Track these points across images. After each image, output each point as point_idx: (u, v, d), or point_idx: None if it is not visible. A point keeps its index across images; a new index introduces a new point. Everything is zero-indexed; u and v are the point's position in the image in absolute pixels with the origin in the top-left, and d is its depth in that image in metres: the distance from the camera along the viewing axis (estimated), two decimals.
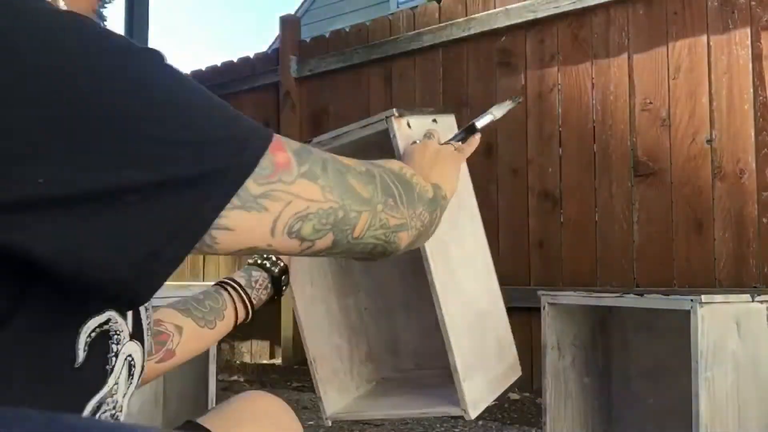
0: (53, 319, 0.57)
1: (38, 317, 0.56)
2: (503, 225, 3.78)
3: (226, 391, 3.88)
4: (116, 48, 0.56)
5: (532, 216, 3.68)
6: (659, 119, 3.30)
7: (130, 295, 0.57)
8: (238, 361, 4.67)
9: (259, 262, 1.21)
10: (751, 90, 3.06)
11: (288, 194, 0.62)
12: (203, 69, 5.43)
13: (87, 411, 0.62)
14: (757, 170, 3.04)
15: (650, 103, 3.33)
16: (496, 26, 3.82)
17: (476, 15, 3.90)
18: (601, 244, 3.44)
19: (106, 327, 0.63)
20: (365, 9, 9.73)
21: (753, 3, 3.08)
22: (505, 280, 3.96)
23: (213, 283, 1.19)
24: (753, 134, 3.05)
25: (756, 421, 1.79)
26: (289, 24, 4.95)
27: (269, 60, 5.05)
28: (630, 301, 1.90)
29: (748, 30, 3.08)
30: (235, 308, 1.14)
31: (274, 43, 10.97)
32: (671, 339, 2.19)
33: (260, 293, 1.18)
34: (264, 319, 5.30)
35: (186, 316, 1.08)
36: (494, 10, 3.83)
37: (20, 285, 0.54)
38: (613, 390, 2.31)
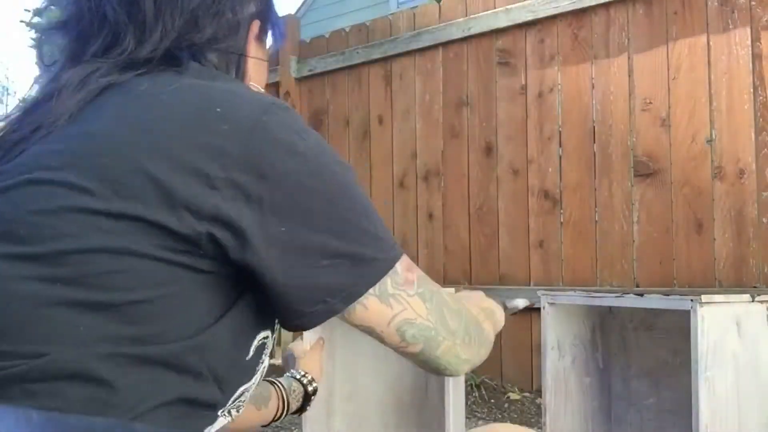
0: (245, 324, 0.82)
1: (239, 319, 0.81)
2: (503, 225, 3.78)
3: None
4: (338, 162, 0.84)
5: (532, 216, 3.68)
6: (659, 119, 3.30)
7: (302, 322, 0.82)
8: None
9: (297, 377, 1.44)
10: (751, 90, 3.06)
11: (407, 303, 0.86)
12: None
13: (238, 392, 0.85)
14: (757, 170, 3.04)
15: (650, 103, 3.33)
16: (496, 26, 3.82)
17: (476, 15, 3.90)
18: (601, 244, 3.45)
19: (264, 340, 0.86)
20: (365, 9, 9.73)
21: (753, 3, 3.08)
22: (505, 280, 3.97)
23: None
24: (753, 134, 3.05)
25: (756, 421, 1.79)
26: (289, 24, 4.95)
27: (269, 60, 5.05)
28: (630, 301, 1.90)
29: (748, 30, 3.08)
30: (278, 403, 1.36)
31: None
32: (671, 339, 2.19)
33: (294, 402, 1.40)
34: None
35: None
36: (494, 10, 3.83)
37: (238, 292, 0.80)
38: (613, 390, 2.31)
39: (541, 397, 2.16)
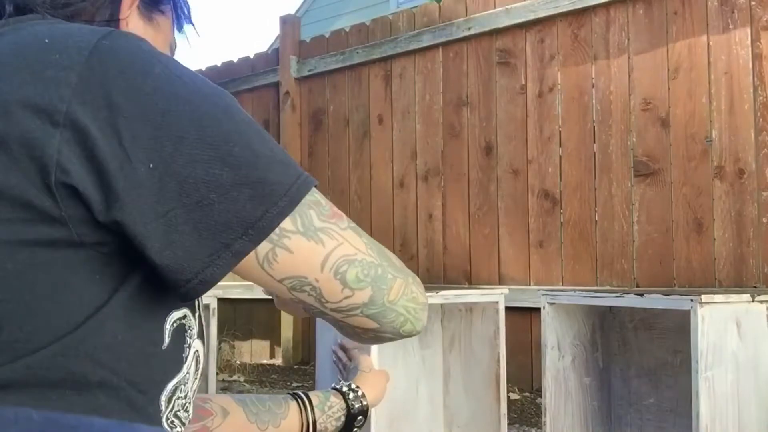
0: (147, 305, 0.66)
1: (135, 300, 0.65)
2: (503, 225, 3.78)
3: (226, 391, 3.88)
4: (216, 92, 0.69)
5: (532, 216, 3.68)
6: (659, 119, 3.30)
7: (202, 279, 0.65)
8: (238, 361, 4.67)
9: (344, 389, 1.20)
10: (751, 90, 3.06)
11: (341, 236, 0.70)
12: (203, 69, 5.43)
13: (167, 390, 0.69)
14: (757, 170, 3.04)
15: (650, 103, 3.33)
16: (496, 26, 3.82)
17: (476, 15, 3.90)
18: (601, 244, 3.44)
19: (183, 321, 0.71)
20: (365, 9, 9.73)
21: (753, 3, 3.08)
22: (505, 280, 3.97)
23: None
24: (753, 134, 3.05)
25: (756, 421, 1.79)
26: (289, 24, 4.95)
27: (269, 60, 5.05)
28: (630, 301, 1.90)
29: (748, 30, 3.08)
30: (300, 421, 1.11)
31: (274, 43, 10.96)
32: (671, 339, 2.20)
33: (328, 421, 1.14)
34: (264, 319, 5.30)
35: (239, 405, 1.06)
36: (494, 10, 3.83)
37: (123, 265, 0.64)
38: (613, 390, 2.31)
39: (541, 397, 2.16)
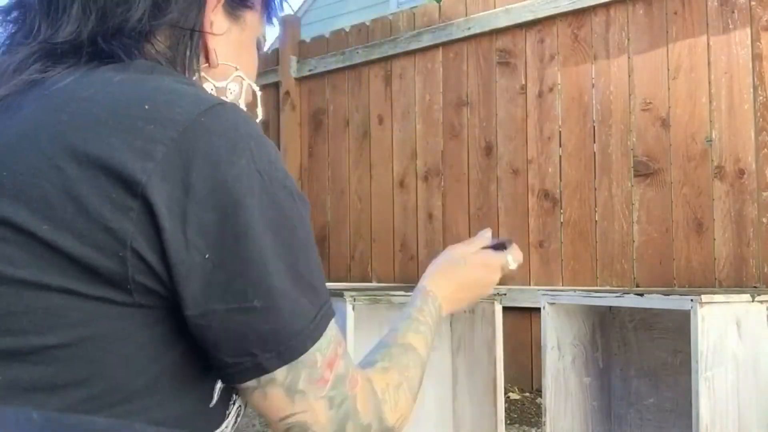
0: (196, 367, 0.70)
1: (187, 361, 0.70)
2: (503, 225, 3.78)
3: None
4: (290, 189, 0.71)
5: (532, 216, 3.68)
6: (659, 119, 3.30)
7: (223, 376, 0.71)
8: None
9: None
10: (751, 90, 3.06)
11: (311, 405, 0.72)
12: None
13: None
14: (757, 170, 3.04)
15: (650, 103, 3.33)
16: (496, 26, 3.81)
17: (476, 15, 3.90)
18: (601, 244, 3.44)
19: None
20: (365, 9, 9.72)
21: (753, 3, 3.08)
22: (505, 279, 3.96)
23: None
24: (753, 134, 3.05)
25: (756, 421, 1.79)
26: (289, 24, 4.95)
27: (269, 60, 5.05)
28: (630, 301, 1.90)
29: (748, 30, 3.08)
30: None
31: (273, 43, 10.96)
32: (671, 339, 2.20)
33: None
34: None
35: None
36: (494, 10, 3.83)
37: (179, 329, 0.68)
38: (613, 390, 2.31)
39: (541, 397, 2.16)
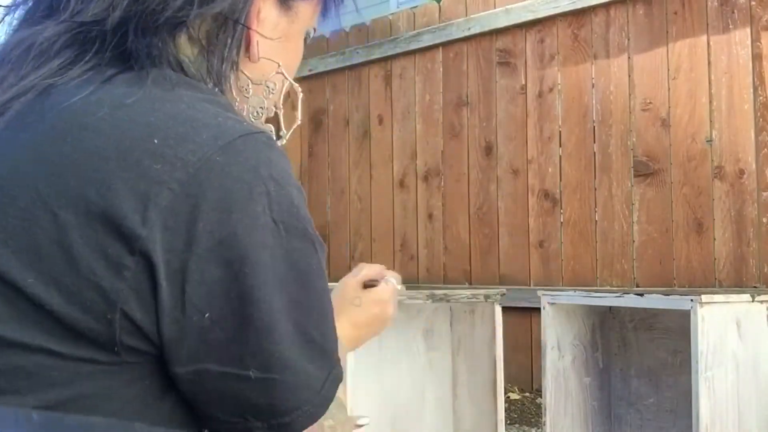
0: (193, 416, 0.65)
1: (181, 411, 0.64)
2: (503, 225, 3.78)
3: None
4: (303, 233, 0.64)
5: (532, 216, 3.68)
6: (659, 119, 3.30)
7: None
8: None
9: None
10: (751, 90, 3.06)
11: None
12: None
13: None
14: (757, 170, 3.04)
15: (650, 103, 3.33)
16: (496, 26, 3.81)
17: (476, 15, 3.90)
18: (601, 244, 3.44)
19: None
20: (365, 9, 9.72)
21: (753, 3, 3.08)
22: (505, 280, 3.97)
23: None
24: (753, 134, 3.05)
25: (756, 421, 1.79)
26: None
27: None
28: (630, 301, 1.90)
29: (748, 30, 3.08)
30: None
31: None
32: (671, 339, 2.20)
33: None
34: None
35: None
36: (494, 10, 3.83)
37: (167, 383, 0.62)
38: (613, 390, 2.31)
39: (541, 397, 2.16)
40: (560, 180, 3.60)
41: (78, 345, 0.58)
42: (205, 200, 0.58)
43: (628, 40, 3.41)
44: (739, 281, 3.05)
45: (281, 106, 0.84)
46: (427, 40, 4.11)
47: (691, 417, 1.69)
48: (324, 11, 0.82)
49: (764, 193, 3.02)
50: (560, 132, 3.61)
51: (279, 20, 0.76)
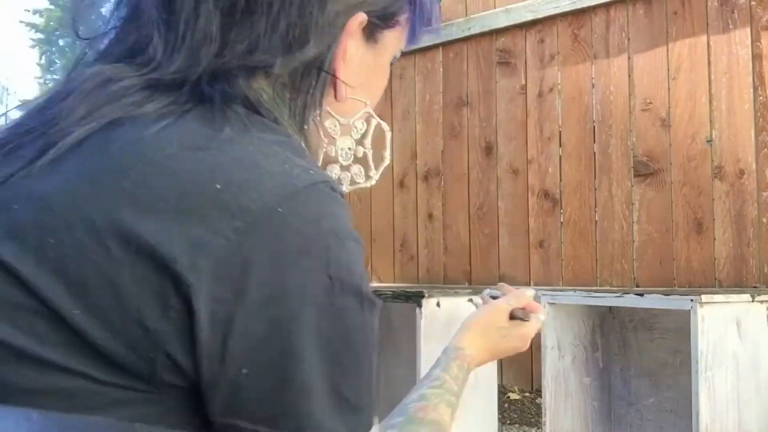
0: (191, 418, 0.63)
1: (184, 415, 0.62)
2: (503, 225, 3.78)
3: None
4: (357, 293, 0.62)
5: (532, 216, 3.68)
6: (659, 119, 3.30)
7: None
8: None
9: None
10: (751, 90, 3.06)
11: None
12: None
13: None
14: (757, 170, 3.04)
15: (650, 103, 3.33)
16: (496, 26, 3.81)
17: (476, 15, 3.90)
18: (601, 244, 3.44)
19: None
20: None
21: (753, 3, 3.08)
22: (505, 280, 3.97)
23: None
24: (753, 134, 3.05)
25: (756, 421, 1.79)
26: None
27: None
28: (630, 301, 1.90)
29: (748, 30, 3.08)
30: None
31: None
32: (671, 339, 2.20)
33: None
34: None
35: None
36: (494, 10, 3.83)
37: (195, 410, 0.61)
38: (613, 390, 2.31)
39: (541, 397, 2.16)
40: (560, 180, 3.60)
41: (119, 376, 0.58)
42: (260, 252, 0.57)
43: (628, 40, 3.41)
44: (739, 281, 3.05)
45: (370, 147, 0.81)
46: (426, 40, 4.10)
47: (691, 417, 1.69)
48: (411, 37, 0.81)
49: (764, 193, 3.02)
50: (560, 132, 3.61)
51: (365, 56, 0.75)
